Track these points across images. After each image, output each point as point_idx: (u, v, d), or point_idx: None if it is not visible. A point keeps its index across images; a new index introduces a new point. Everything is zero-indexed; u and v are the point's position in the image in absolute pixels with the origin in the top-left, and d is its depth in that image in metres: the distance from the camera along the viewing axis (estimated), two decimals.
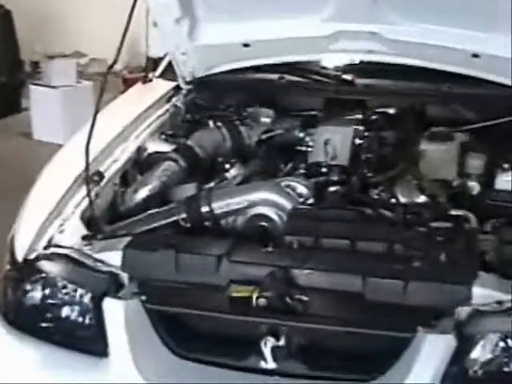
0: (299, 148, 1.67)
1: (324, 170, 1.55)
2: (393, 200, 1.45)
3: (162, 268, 1.21)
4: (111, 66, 1.37)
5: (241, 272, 1.18)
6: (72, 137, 1.62)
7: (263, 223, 1.40)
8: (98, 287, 1.20)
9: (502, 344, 1.04)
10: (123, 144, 1.62)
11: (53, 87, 4.19)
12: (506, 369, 1.03)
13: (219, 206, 1.43)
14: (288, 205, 1.41)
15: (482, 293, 1.08)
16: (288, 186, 1.44)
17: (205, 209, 1.42)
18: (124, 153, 1.60)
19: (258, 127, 1.79)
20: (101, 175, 1.47)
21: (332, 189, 1.49)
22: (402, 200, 1.45)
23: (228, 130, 1.74)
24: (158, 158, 1.62)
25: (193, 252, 1.22)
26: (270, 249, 1.23)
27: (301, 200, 1.44)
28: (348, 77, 1.86)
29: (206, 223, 1.42)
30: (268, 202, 1.42)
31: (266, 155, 1.69)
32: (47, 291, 1.22)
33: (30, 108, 4.29)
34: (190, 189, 1.55)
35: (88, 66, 5.12)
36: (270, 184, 1.46)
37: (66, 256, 1.24)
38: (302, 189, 1.45)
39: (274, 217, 1.41)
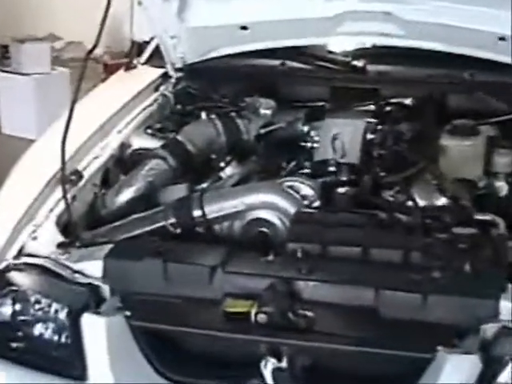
0: (303, 144, 1.68)
1: (332, 168, 1.56)
2: (410, 203, 1.44)
3: (149, 279, 1.22)
4: (91, 51, 1.37)
5: (237, 284, 1.19)
6: (46, 131, 1.62)
7: (263, 229, 1.41)
8: (75, 302, 1.21)
9: None
10: (104, 139, 1.63)
11: (24, 74, 4.16)
12: None
13: (213, 210, 1.44)
14: (291, 208, 1.41)
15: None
16: (291, 187, 1.45)
17: (197, 213, 1.43)
18: (105, 149, 1.60)
19: (256, 120, 1.80)
20: (79, 175, 1.47)
21: (341, 190, 1.50)
22: (420, 203, 1.45)
23: (223, 123, 1.74)
24: (144, 155, 1.63)
25: (183, 261, 1.23)
26: (270, 258, 1.23)
27: (305, 203, 1.44)
28: (358, 63, 1.86)
29: (198, 229, 1.43)
30: (268, 204, 1.42)
31: (265, 152, 1.70)
32: (18, 306, 1.23)
33: None
34: (179, 190, 1.56)
35: (64, 51, 5.09)
36: (270, 185, 1.48)
37: (39, 266, 1.25)
38: (306, 190, 1.46)
39: (276, 222, 1.42)
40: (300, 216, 1.38)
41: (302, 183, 1.46)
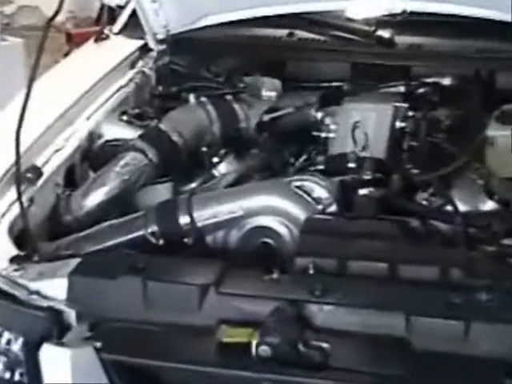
0: (316, 134, 1.69)
1: (352, 164, 1.57)
2: (449, 207, 1.45)
3: (124, 302, 1.22)
4: (52, 18, 1.36)
5: (234, 308, 1.19)
6: None
7: (266, 240, 1.43)
8: (32, 330, 1.21)
9: None
10: (69, 128, 1.63)
11: None
12: None
13: (204, 216, 1.45)
14: (301, 214, 1.42)
15: None
16: (301, 188, 1.46)
17: (184, 219, 1.45)
18: (70, 140, 1.61)
19: (258, 104, 1.81)
20: (37, 172, 1.48)
21: (363, 191, 1.51)
22: (462, 207, 1.46)
23: (216, 108, 1.75)
24: (119, 147, 1.64)
25: (167, 280, 1.23)
26: (275, 276, 1.23)
27: (319, 207, 1.44)
28: (384, 33, 1.86)
29: (186, 240, 1.44)
30: (272, 209, 1.43)
31: (269, 144, 1.72)
32: None
33: None
34: (162, 191, 1.58)
35: (16, 17, 5.07)
36: (275, 185, 1.49)
37: None
38: (320, 191, 1.46)
39: (282, 231, 1.43)
40: (312, 224, 1.39)
41: (315, 183, 1.47)
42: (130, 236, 1.43)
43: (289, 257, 1.32)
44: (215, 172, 1.64)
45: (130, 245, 1.41)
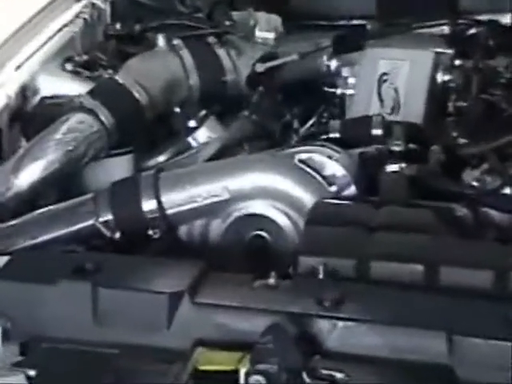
0: (330, 90, 1.71)
1: (377, 131, 1.57)
2: (507, 190, 1.47)
3: (68, 316, 1.22)
4: None
5: (217, 324, 1.19)
6: None
7: (259, 232, 1.45)
8: None
9: None
10: None
11: None
12: None
13: (176, 201, 1.46)
14: (307, 198, 1.43)
15: None
16: (307, 163, 1.47)
17: (148, 205, 1.45)
18: None
19: (250, 50, 1.82)
20: None
21: (392, 167, 1.50)
22: None
23: (194, 54, 1.76)
24: (61, 107, 1.65)
25: (125, 286, 1.23)
26: (271, 281, 1.23)
27: (332, 189, 1.46)
28: None
29: (151, 232, 1.45)
30: (269, 192, 1.44)
31: (265, 104, 1.72)
32: None
33: None
34: (120, 166, 1.60)
35: None
36: (272, 159, 1.51)
37: None
38: (333, 167, 1.48)
39: (281, 220, 1.44)
40: (322, 211, 1.39)
41: (327, 156, 1.48)
42: (75, 227, 1.44)
43: (290, 256, 1.33)
44: (192, 141, 1.65)
45: (75, 239, 1.42)
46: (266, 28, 1.83)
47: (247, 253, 1.45)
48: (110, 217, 1.45)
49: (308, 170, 1.46)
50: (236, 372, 1.12)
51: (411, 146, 1.54)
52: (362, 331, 1.16)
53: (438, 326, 1.14)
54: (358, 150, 1.54)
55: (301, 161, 1.47)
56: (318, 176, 1.45)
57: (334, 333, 1.17)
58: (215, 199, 1.45)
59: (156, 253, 1.44)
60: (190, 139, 1.65)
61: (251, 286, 1.23)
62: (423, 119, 1.61)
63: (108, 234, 1.44)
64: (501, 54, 1.72)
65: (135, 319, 1.21)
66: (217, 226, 1.46)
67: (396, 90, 1.63)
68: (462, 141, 1.57)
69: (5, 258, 1.28)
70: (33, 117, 1.67)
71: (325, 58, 1.75)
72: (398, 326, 1.16)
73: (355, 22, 1.88)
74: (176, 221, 1.46)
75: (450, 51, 1.69)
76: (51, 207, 1.49)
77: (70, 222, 1.45)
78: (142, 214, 1.45)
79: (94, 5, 1.89)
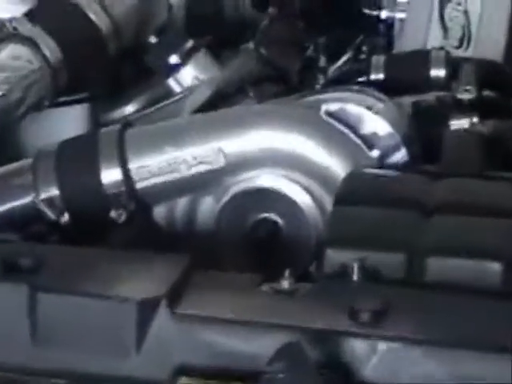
0: (370, 12, 1.75)
1: (437, 72, 1.59)
2: None
3: None
4: None
5: (205, 344, 1.17)
6: None
7: (268, 215, 1.45)
8: None
9: None
10: None
11: None
12: None
13: (149, 170, 1.47)
14: (337, 166, 1.44)
15: None
16: (338, 116, 1.48)
17: (109, 175, 1.46)
18: None
19: None
20: None
21: (459, 123, 1.51)
22: None
23: None
24: None
25: (76, 291, 1.21)
26: (285, 284, 1.21)
27: (373, 154, 1.46)
28: None
29: (114, 213, 1.45)
30: (281, 157, 1.45)
31: (277, 30, 1.75)
32: None
33: None
34: (71, 120, 1.63)
35: None
36: (288, 110, 1.52)
37: None
38: (376, 122, 1.48)
39: (299, 198, 1.44)
40: (358, 186, 1.40)
41: (366, 107, 1.50)
42: (5, 206, 1.45)
43: (312, 248, 1.38)
44: (173, 84, 1.67)
45: (6, 222, 1.44)
46: None
47: (250, 244, 1.45)
48: (55, 192, 1.45)
49: (338, 125, 1.46)
50: None
51: (487, 92, 1.56)
52: (414, 356, 1.14)
53: None
54: (410, 99, 1.56)
55: (328, 113, 1.47)
56: (352, 135, 1.45)
57: (374, 358, 1.15)
58: (205, 167, 1.45)
59: (121, 243, 1.46)
60: (170, 82, 1.67)
61: (256, 291, 1.23)
62: (504, 55, 1.64)
63: (52, 216, 1.45)
64: None
65: (91, 337, 1.20)
66: (208, 207, 1.46)
67: (466, 14, 1.63)
68: None
69: None
70: None
71: None
72: (466, 350, 1.14)
73: None
74: (149, 198, 1.47)
75: None
76: None
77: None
78: (100, 189, 1.45)
79: None
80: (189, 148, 1.46)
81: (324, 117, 1.46)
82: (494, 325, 1.16)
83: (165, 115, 1.61)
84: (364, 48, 1.76)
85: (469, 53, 1.65)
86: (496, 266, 1.23)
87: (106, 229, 1.47)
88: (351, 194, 1.38)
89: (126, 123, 1.54)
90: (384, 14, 1.72)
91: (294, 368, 1.11)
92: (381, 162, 1.46)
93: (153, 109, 1.66)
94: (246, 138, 1.46)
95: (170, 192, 1.48)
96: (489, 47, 1.66)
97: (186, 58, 1.68)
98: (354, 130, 1.47)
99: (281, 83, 1.70)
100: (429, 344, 1.14)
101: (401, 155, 1.48)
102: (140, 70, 1.73)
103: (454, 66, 1.59)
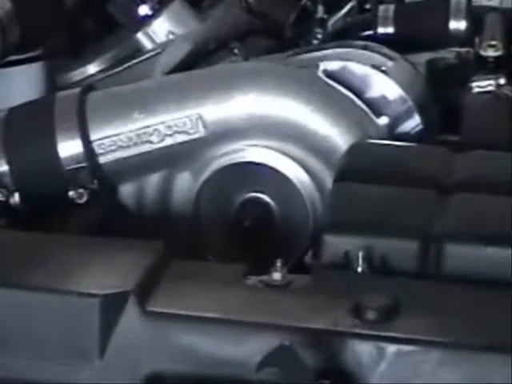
0: None
1: (457, 23, 1.61)
2: None
3: None
4: None
5: (183, 349, 1.18)
6: None
7: (257, 194, 1.46)
8: None
9: None
10: None
11: None
12: None
13: (115, 141, 1.48)
14: (339, 136, 1.45)
15: None
16: (337, 77, 1.49)
17: (68, 148, 1.48)
18: None
19: None
20: None
21: (483, 84, 1.52)
22: None
23: None
24: None
25: (28, 285, 1.22)
26: (276, 276, 1.21)
27: (381, 121, 1.47)
28: None
29: (73, 193, 1.46)
30: (273, 126, 1.46)
31: None
32: None
33: None
34: (21, 81, 1.66)
35: None
36: (280, 69, 1.53)
37: None
38: (384, 84, 1.50)
39: (293, 174, 1.46)
40: (364, 160, 1.41)
41: (372, 66, 1.51)
42: None
43: (309, 234, 1.37)
44: (143, 39, 1.67)
45: None
46: None
47: (236, 229, 1.46)
48: (3, 167, 1.47)
49: (340, 88, 1.47)
50: None
51: None
52: (428, 361, 1.16)
53: None
54: (425, 56, 1.58)
55: (328, 73, 1.48)
56: (356, 99, 1.46)
57: (382, 363, 1.16)
58: (181, 138, 1.46)
59: (82, 228, 1.47)
60: (140, 36, 1.68)
61: (242, 285, 1.23)
62: None
63: (1, 196, 1.45)
64: None
65: (44, 340, 1.21)
66: (184, 184, 1.48)
67: None
68: None
69: None
70: None
71: None
72: (487, 353, 1.15)
73: None
74: (116, 175, 1.48)
75: None
76: None
77: None
78: (57, 164, 1.47)
79: None
80: (162, 115, 1.47)
81: (322, 77, 1.47)
82: None
83: (134, 76, 1.62)
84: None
85: (495, 1, 1.65)
86: None
87: (64, 211, 1.48)
88: (355, 169, 1.38)
89: (88, 86, 1.54)
90: None
91: (286, 375, 1.13)
92: (390, 131, 1.47)
93: (120, 68, 1.66)
94: (230, 103, 1.47)
95: (140, 167, 1.49)
96: None
97: (158, 9, 1.69)
98: (359, 93, 1.48)
99: (271, 37, 1.71)
100: (445, 347, 1.15)
101: (414, 123, 1.49)
102: (104, 22, 1.74)
103: (476, 16, 1.60)
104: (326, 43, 1.64)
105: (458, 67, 1.59)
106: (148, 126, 1.47)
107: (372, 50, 1.54)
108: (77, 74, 1.68)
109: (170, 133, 1.47)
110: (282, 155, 1.46)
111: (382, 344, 1.15)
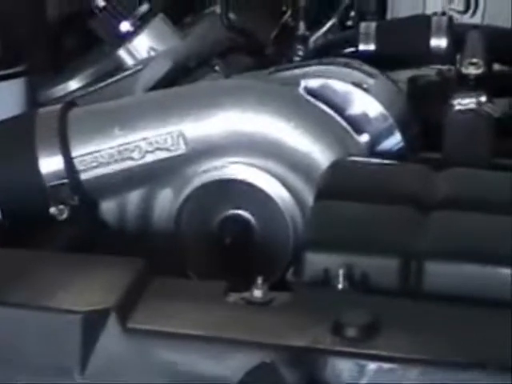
0: None
1: (438, 41, 1.60)
2: None
3: None
4: None
5: (164, 366, 1.18)
6: None
7: (238, 211, 1.47)
8: None
9: None
10: None
11: None
12: None
13: (96, 157, 1.48)
14: (320, 154, 1.45)
15: None
16: (318, 94, 1.49)
17: (49, 164, 1.48)
18: None
19: None
20: None
21: (464, 102, 1.52)
22: None
23: None
24: None
25: (8, 302, 1.22)
26: (257, 293, 1.22)
27: (362, 138, 1.47)
28: None
29: (54, 209, 1.46)
30: (254, 143, 1.46)
31: None
32: None
33: None
34: (3, 97, 1.62)
35: None
36: (261, 86, 1.53)
37: None
38: (365, 101, 1.50)
39: (274, 192, 1.46)
40: (344, 178, 1.41)
41: (352, 83, 1.51)
42: None
43: (290, 251, 1.38)
44: (124, 55, 1.68)
45: None
46: None
47: (216, 246, 1.46)
48: None
49: (321, 105, 1.47)
50: None
51: (497, 67, 1.59)
52: (408, 379, 1.15)
53: None
54: (406, 73, 1.59)
55: (309, 90, 1.48)
56: (337, 116, 1.47)
57: (362, 381, 1.15)
58: (162, 155, 1.46)
59: (62, 245, 1.47)
60: (121, 53, 1.68)
61: (223, 302, 1.23)
62: None
63: None
64: None
65: (24, 356, 1.21)
66: (165, 201, 1.49)
67: None
68: None
69: None
70: None
71: None
72: (467, 371, 1.14)
73: None
74: (96, 192, 1.48)
75: None
76: None
77: None
78: (38, 180, 1.47)
79: None
80: (143, 132, 1.47)
81: (304, 94, 1.48)
82: (506, 342, 1.17)
83: (115, 93, 1.62)
84: (351, 13, 1.78)
85: (476, 19, 1.66)
86: (507, 273, 1.25)
87: (45, 228, 1.48)
88: (336, 186, 1.38)
89: (69, 102, 1.54)
90: None
91: None
92: (371, 149, 1.47)
93: (101, 85, 1.66)
94: (211, 120, 1.47)
95: (121, 184, 1.49)
96: (499, 14, 1.67)
97: (139, 25, 1.69)
98: (340, 110, 1.48)
99: (253, 54, 1.71)
100: (426, 364, 1.15)
101: (395, 140, 1.50)
102: (85, 38, 1.74)
103: (458, 34, 1.60)
104: (307, 60, 1.64)
105: (439, 85, 1.59)
106: (129, 143, 1.47)
107: (353, 68, 1.54)
108: (58, 90, 1.68)
109: (151, 149, 1.47)
110: (263, 172, 1.46)
111: (363, 361, 1.14)
